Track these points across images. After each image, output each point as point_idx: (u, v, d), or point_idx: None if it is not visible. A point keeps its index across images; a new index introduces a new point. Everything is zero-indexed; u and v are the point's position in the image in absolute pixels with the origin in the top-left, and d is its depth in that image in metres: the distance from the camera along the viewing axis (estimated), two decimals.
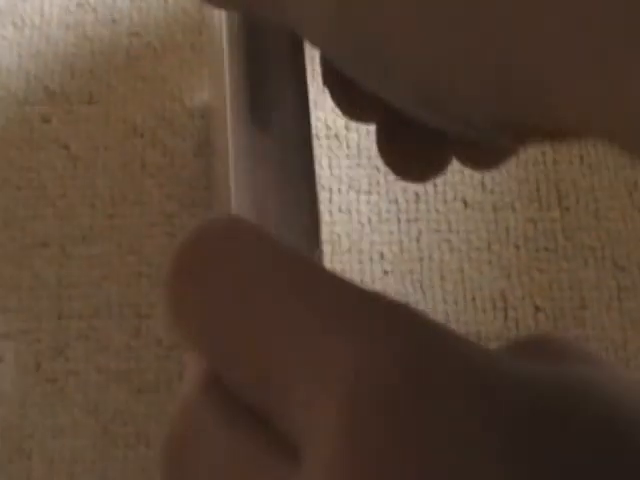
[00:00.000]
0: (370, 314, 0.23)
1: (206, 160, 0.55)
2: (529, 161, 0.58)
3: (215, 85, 0.44)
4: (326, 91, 0.57)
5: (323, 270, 0.24)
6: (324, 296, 0.23)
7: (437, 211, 0.56)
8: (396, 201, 0.56)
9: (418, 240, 0.55)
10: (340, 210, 0.55)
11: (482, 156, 0.37)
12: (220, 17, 0.37)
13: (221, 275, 0.24)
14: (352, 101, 0.41)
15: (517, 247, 0.56)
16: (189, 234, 0.25)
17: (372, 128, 0.56)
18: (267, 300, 0.23)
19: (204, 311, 0.25)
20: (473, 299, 0.54)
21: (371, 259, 0.54)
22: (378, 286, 0.53)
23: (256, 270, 0.24)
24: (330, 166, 0.56)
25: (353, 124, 0.57)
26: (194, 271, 0.25)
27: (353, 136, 0.57)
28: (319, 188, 0.53)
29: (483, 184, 0.57)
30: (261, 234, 0.25)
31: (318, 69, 0.58)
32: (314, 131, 0.55)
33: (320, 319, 0.23)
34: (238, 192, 0.32)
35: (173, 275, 0.25)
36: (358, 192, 0.56)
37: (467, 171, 0.56)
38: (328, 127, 0.57)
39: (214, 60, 0.46)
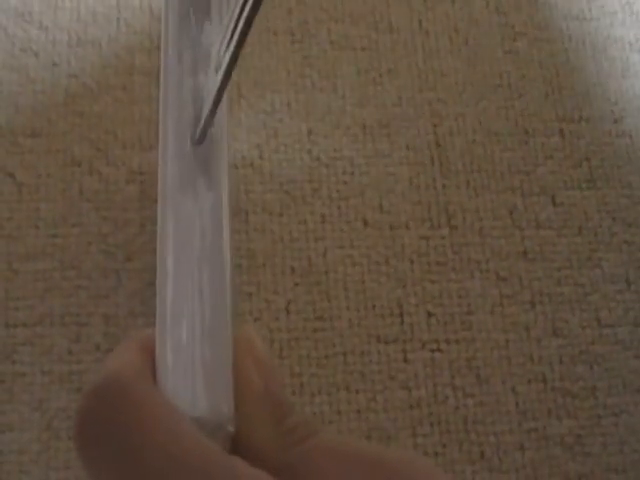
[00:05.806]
0: None
1: (137, 186, 0.57)
2: (421, 186, 0.61)
3: None
4: (241, 124, 0.61)
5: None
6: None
7: (341, 230, 0.59)
8: (305, 222, 0.59)
9: (324, 255, 0.58)
10: (255, 229, 0.58)
11: None
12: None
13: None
14: None
15: (411, 261, 0.59)
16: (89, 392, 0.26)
17: (282, 157, 0.59)
18: None
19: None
20: (373, 307, 0.57)
21: (283, 272, 0.57)
22: (290, 296, 0.56)
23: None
24: (246, 191, 0.59)
25: (266, 154, 0.60)
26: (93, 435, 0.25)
27: (266, 165, 0.60)
28: (237, 210, 0.56)
29: (381, 206, 0.60)
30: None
31: (235, 105, 0.62)
32: (232, 161, 0.58)
33: None
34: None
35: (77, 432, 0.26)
36: (271, 214, 0.58)
37: (367, 194, 0.60)
38: (244, 157, 0.60)
39: None
